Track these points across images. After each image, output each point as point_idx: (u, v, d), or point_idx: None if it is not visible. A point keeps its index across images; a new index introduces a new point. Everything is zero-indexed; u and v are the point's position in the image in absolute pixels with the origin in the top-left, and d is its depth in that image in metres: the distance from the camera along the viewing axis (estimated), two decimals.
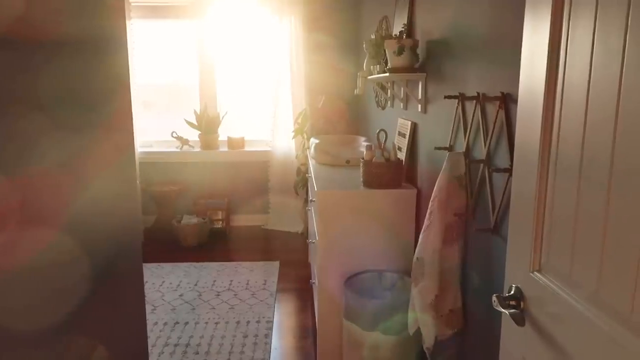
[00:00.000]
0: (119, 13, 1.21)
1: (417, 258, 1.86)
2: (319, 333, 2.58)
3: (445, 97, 1.87)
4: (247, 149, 5.09)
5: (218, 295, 3.46)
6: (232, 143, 5.03)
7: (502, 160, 1.51)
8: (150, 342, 2.83)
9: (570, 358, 0.91)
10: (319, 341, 2.59)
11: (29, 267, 1.08)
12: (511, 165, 1.42)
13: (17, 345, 1.00)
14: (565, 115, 0.93)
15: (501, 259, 1.51)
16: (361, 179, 2.51)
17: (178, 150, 5.02)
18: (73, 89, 1.16)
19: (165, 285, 3.62)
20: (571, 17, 0.91)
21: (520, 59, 1.10)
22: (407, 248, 2.49)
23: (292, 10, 4.66)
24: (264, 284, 3.63)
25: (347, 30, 4.76)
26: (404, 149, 2.61)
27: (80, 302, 1.26)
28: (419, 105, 2.40)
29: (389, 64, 2.35)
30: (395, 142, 2.77)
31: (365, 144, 3.45)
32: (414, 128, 2.54)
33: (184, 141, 5.02)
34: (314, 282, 2.94)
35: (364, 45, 3.00)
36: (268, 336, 2.90)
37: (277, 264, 4.04)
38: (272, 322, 3.08)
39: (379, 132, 2.51)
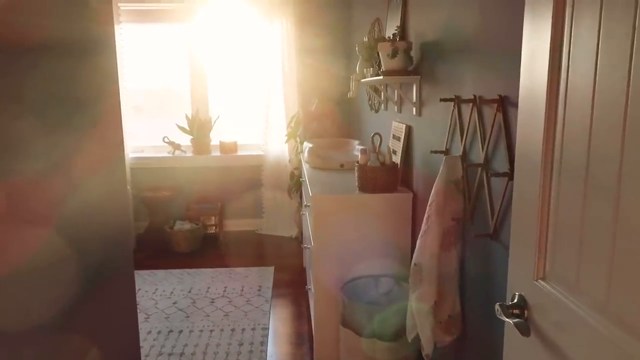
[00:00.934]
0: (106, 16, 1.17)
1: (415, 264, 1.83)
2: (316, 340, 2.55)
3: (441, 100, 1.84)
4: (239, 153, 5.04)
5: (212, 302, 3.41)
6: (225, 147, 4.98)
7: (500, 164, 1.48)
8: (143, 351, 2.78)
9: None
10: (315, 348, 2.55)
11: (17, 269, 1.04)
12: (510, 169, 1.40)
13: (5, 348, 0.97)
14: (570, 117, 0.91)
15: (501, 265, 1.49)
16: (356, 183, 2.48)
17: (170, 155, 4.96)
18: (60, 93, 1.12)
19: (158, 292, 3.57)
20: (574, 17, 0.88)
21: (518, 61, 1.08)
22: (403, 253, 2.47)
23: (283, 12, 4.63)
24: (259, 290, 3.59)
25: (339, 33, 4.74)
26: (399, 153, 2.58)
27: (69, 305, 1.22)
28: (414, 108, 2.37)
29: (382, 67, 2.33)
30: (390, 146, 2.74)
31: (359, 147, 3.43)
32: (409, 131, 2.51)
33: (175, 146, 4.97)
34: (309, 288, 2.90)
35: (357, 48, 2.97)
36: (264, 344, 2.86)
37: (271, 269, 3.99)
38: (268, 329, 3.04)
39: (373, 135, 2.48)
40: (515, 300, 1.07)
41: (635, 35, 0.72)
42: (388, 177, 2.41)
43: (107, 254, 1.32)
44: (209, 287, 3.65)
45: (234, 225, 5.06)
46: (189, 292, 3.58)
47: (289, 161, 4.77)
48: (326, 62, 4.75)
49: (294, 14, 4.66)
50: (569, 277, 0.92)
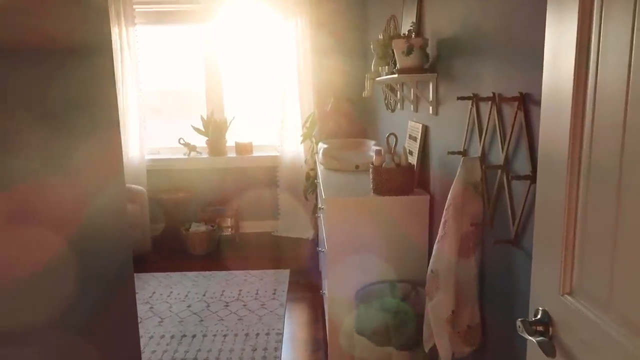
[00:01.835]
0: (102, 17, 1.12)
1: (432, 270, 1.75)
2: (330, 347, 2.48)
3: (459, 98, 1.75)
4: (255, 154, 5.00)
5: (227, 305, 3.36)
6: (240, 148, 4.95)
7: (521, 166, 1.39)
8: (156, 356, 2.74)
9: None
10: (330, 355, 2.48)
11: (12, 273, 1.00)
12: (532, 172, 1.30)
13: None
14: (599, 116, 0.82)
15: (523, 274, 1.40)
16: (371, 185, 2.40)
17: (185, 157, 4.95)
18: (55, 96, 1.08)
19: (173, 296, 3.54)
20: (604, 7, 0.80)
21: (540, 57, 0.99)
22: (420, 257, 2.38)
23: (299, 12, 4.57)
24: (274, 294, 3.53)
25: (355, 31, 4.65)
26: (415, 153, 2.50)
27: (66, 311, 1.17)
28: (430, 107, 2.28)
29: (397, 65, 2.24)
30: (406, 146, 2.66)
31: (374, 148, 3.35)
32: (425, 131, 2.42)
33: (191, 147, 4.95)
34: (324, 293, 2.83)
35: (372, 46, 2.89)
36: (278, 349, 2.80)
37: (287, 272, 3.94)
38: (282, 334, 2.98)
39: (388, 136, 2.40)
40: (539, 316, 0.98)
41: None
42: (404, 179, 2.32)
43: (106, 260, 1.27)
44: (223, 290, 3.61)
45: (249, 227, 5.02)
46: (204, 295, 3.54)
47: (305, 162, 4.70)
48: (342, 61, 4.67)
49: (309, 13, 4.59)
50: (599, 292, 0.83)
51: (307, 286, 3.66)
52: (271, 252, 4.48)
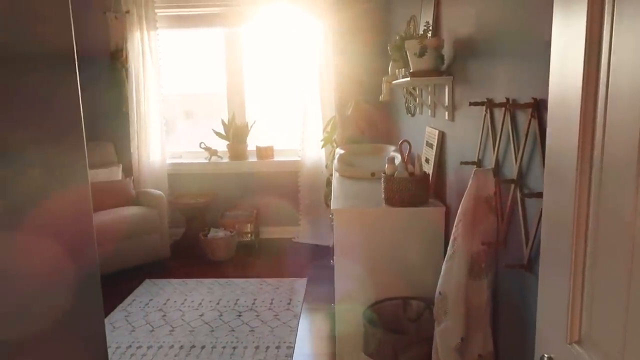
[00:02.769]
0: (64, 25, 1.04)
1: (440, 292, 1.60)
2: None
3: (471, 103, 1.60)
4: (276, 158, 4.91)
5: (239, 315, 3.27)
6: (261, 153, 4.87)
7: (536, 180, 1.23)
8: None
9: None
10: None
11: None
12: None
13: None
14: (612, 124, 0.67)
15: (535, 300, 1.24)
16: (382, 196, 2.26)
17: (206, 161, 4.91)
18: (16, 107, 1.00)
19: (186, 303, 3.48)
20: (616, 2, 0.65)
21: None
22: (434, 273, 2.20)
23: (323, 15, 4.46)
24: (289, 304, 3.42)
25: (379, 34, 4.50)
26: (432, 161, 2.34)
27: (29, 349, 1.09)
28: (446, 113, 2.13)
29: (411, 68, 2.10)
30: (424, 154, 2.51)
31: (393, 154, 3.20)
32: (442, 138, 2.27)
33: (212, 152, 4.91)
34: (334, 306, 2.70)
35: (388, 48, 2.75)
36: None
37: (304, 281, 3.82)
38: (293, 348, 2.86)
39: (401, 142, 2.26)
40: None
41: None
42: (417, 190, 2.17)
43: (73, 296, 1.17)
44: (237, 299, 3.53)
45: (270, 232, 4.94)
46: (217, 303, 3.46)
47: (326, 167, 4.58)
48: (365, 64, 4.53)
49: (333, 17, 4.47)
50: (610, 344, 0.68)
51: (323, 297, 3.53)
52: (290, 260, 4.38)
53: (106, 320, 3.22)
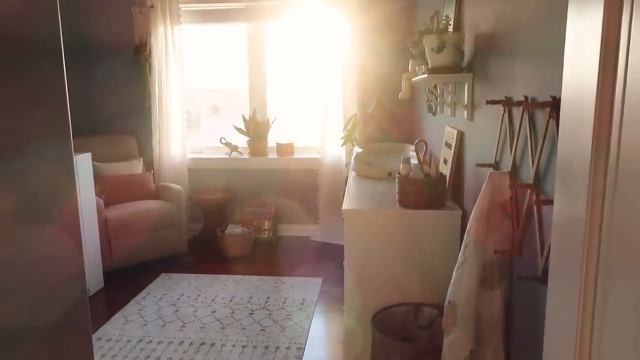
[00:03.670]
0: (51, 10, 0.99)
1: (449, 301, 1.51)
2: None
3: (488, 102, 1.50)
4: (296, 156, 4.86)
5: (251, 314, 3.23)
6: (281, 150, 4.82)
7: (553, 186, 1.13)
8: None
9: None
10: None
11: None
12: None
13: None
14: (630, 126, 0.58)
15: None
16: (397, 197, 2.17)
17: (227, 156, 4.89)
18: None
19: (200, 299, 3.46)
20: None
21: None
22: (448, 278, 2.12)
23: (349, 12, 4.37)
24: (302, 304, 3.37)
25: (403, 31, 4.39)
26: (450, 162, 2.24)
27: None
28: (465, 112, 2.03)
29: (428, 64, 2.00)
30: (443, 154, 2.41)
31: (412, 153, 3.10)
32: (461, 138, 2.16)
33: (232, 147, 4.89)
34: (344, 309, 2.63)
35: (409, 44, 2.65)
36: None
37: (319, 281, 3.76)
38: (303, 349, 2.80)
39: (417, 142, 2.17)
40: None
41: None
42: (433, 192, 2.08)
43: (55, 311, 1.12)
44: (251, 297, 3.49)
45: (288, 230, 4.89)
46: (230, 300, 3.43)
47: (346, 165, 4.50)
48: (389, 63, 4.42)
49: (359, 15, 4.38)
50: None
51: (337, 298, 3.46)
52: (306, 259, 4.32)
53: (119, 314, 3.23)
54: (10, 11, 0.95)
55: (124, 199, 4.14)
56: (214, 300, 3.45)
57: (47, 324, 1.10)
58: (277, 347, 2.82)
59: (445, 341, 1.53)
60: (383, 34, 4.43)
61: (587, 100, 0.65)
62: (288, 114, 4.96)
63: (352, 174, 2.97)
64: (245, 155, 4.90)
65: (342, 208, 2.19)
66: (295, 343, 2.86)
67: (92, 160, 3.59)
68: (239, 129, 4.85)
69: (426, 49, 1.98)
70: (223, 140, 4.89)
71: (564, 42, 1.06)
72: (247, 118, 4.84)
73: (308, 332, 3.00)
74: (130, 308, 3.32)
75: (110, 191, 4.04)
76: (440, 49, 1.88)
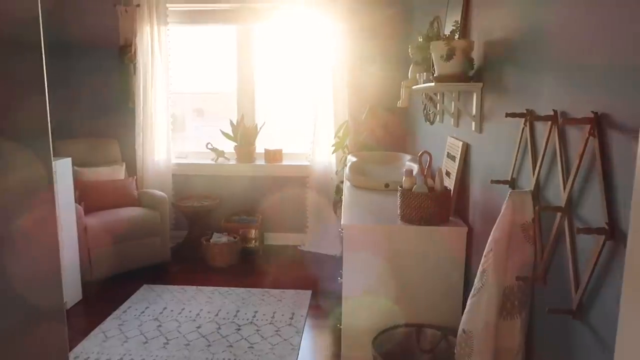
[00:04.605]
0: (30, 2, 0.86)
1: (464, 330, 1.39)
2: None
3: (507, 115, 1.39)
4: (284, 162, 4.72)
5: (239, 329, 3.08)
6: (270, 156, 4.68)
7: (592, 212, 1.02)
8: None
9: None
10: None
11: None
12: (609, 224, 0.93)
13: None
14: None
15: (585, 356, 1.03)
16: (398, 212, 2.06)
17: (213, 162, 4.72)
18: None
19: (184, 313, 3.29)
20: None
21: (627, 67, 0.64)
22: (453, 300, 2.01)
23: (341, 17, 4.26)
24: (291, 319, 3.22)
25: (398, 37, 4.29)
26: (453, 175, 2.13)
27: None
28: (473, 123, 1.92)
29: (435, 72, 1.89)
30: (444, 166, 2.30)
31: (408, 163, 2.99)
32: (466, 150, 2.06)
33: (219, 153, 4.73)
34: (341, 327, 2.50)
35: (409, 50, 2.55)
36: None
37: (308, 293, 3.62)
38: None
39: (421, 154, 2.05)
40: None
41: None
42: (437, 207, 1.96)
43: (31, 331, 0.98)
44: (238, 311, 3.33)
45: (275, 239, 4.74)
46: (216, 315, 3.27)
47: (336, 173, 4.38)
48: (381, 68, 4.32)
49: (351, 20, 4.26)
50: None
51: (328, 312, 3.33)
52: (294, 269, 4.17)
53: (98, 329, 3.05)
54: None
55: (105, 205, 3.95)
56: (198, 314, 3.28)
57: (20, 343, 0.95)
58: None
59: None
60: (375, 40, 4.33)
61: None
62: (277, 119, 4.82)
63: (347, 184, 2.85)
64: (232, 161, 4.74)
65: (342, 223, 2.07)
66: None
67: (72, 164, 3.40)
68: (226, 134, 4.70)
69: (433, 56, 1.87)
70: (209, 146, 4.72)
71: (607, 52, 0.96)
72: (235, 123, 4.69)
73: (299, 349, 2.86)
74: (110, 323, 3.13)
75: (91, 198, 3.85)
76: (449, 56, 1.77)
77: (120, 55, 4.56)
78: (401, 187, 2.05)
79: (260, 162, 4.71)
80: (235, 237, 4.26)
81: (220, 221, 4.54)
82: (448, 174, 2.21)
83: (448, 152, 2.30)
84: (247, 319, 3.21)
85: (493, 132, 1.74)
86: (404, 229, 2.00)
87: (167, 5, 4.46)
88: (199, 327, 3.10)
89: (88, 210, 3.77)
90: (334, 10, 4.24)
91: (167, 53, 4.51)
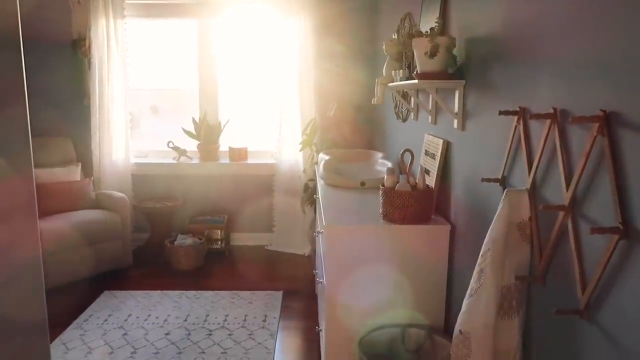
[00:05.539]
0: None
1: (461, 332, 1.37)
2: None
3: (501, 112, 1.38)
4: (250, 161, 4.62)
5: (210, 334, 2.97)
6: (234, 154, 4.56)
7: (600, 211, 1.01)
8: None
9: None
10: None
11: None
12: (623, 223, 0.93)
13: None
14: None
15: (593, 356, 1.02)
16: (380, 210, 2.02)
17: (175, 161, 4.56)
18: None
19: (150, 320, 3.15)
20: None
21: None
22: (436, 298, 2.01)
23: (303, 11, 4.19)
24: (264, 321, 3.14)
25: (363, 33, 4.28)
26: (434, 173, 2.12)
27: None
28: (455, 120, 1.91)
29: (417, 69, 1.87)
30: (422, 163, 2.28)
31: (382, 161, 2.98)
32: (447, 148, 2.05)
33: (181, 152, 4.57)
34: (320, 330, 2.45)
35: (384, 47, 2.52)
36: None
37: (279, 294, 3.55)
38: None
39: (403, 152, 2.03)
40: None
41: None
42: (420, 205, 1.94)
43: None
44: (207, 315, 3.22)
45: (241, 239, 4.64)
46: (185, 320, 3.15)
47: (304, 172, 4.32)
48: (348, 65, 4.29)
49: (313, 14, 4.21)
50: None
51: (301, 313, 3.28)
52: (263, 270, 4.09)
53: (58, 340, 2.87)
54: None
55: (60, 208, 3.73)
56: (166, 320, 3.15)
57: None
58: None
59: None
60: (338, 36, 4.30)
61: None
62: (241, 117, 4.70)
63: (321, 183, 2.80)
64: (195, 160, 4.60)
65: (324, 224, 2.01)
66: None
67: None
68: (188, 132, 4.55)
69: (416, 53, 1.84)
70: (171, 144, 4.56)
71: (615, 46, 0.95)
72: (197, 120, 4.54)
73: (274, 352, 2.79)
74: (71, 333, 2.96)
75: (45, 200, 3.62)
76: (433, 53, 1.75)
77: (73, 50, 4.31)
78: (383, 185, 2.01)
79: (225, 160, 4.59)
80: (200, 239, 4.13)
81: (184, 222, 4.40)
82: (427, 171, 2.19)
83: (426, 150, 2.29)
84: (218, 323, 3.11)
85: (478, 130, 1.73)
86: (386, 227, 1.97)
87: None
88: (167, 334, 2.98)
89: (42, 214, 3.54)
90: (295, 4, 4.16)
91: (124, 48, 4.31)
